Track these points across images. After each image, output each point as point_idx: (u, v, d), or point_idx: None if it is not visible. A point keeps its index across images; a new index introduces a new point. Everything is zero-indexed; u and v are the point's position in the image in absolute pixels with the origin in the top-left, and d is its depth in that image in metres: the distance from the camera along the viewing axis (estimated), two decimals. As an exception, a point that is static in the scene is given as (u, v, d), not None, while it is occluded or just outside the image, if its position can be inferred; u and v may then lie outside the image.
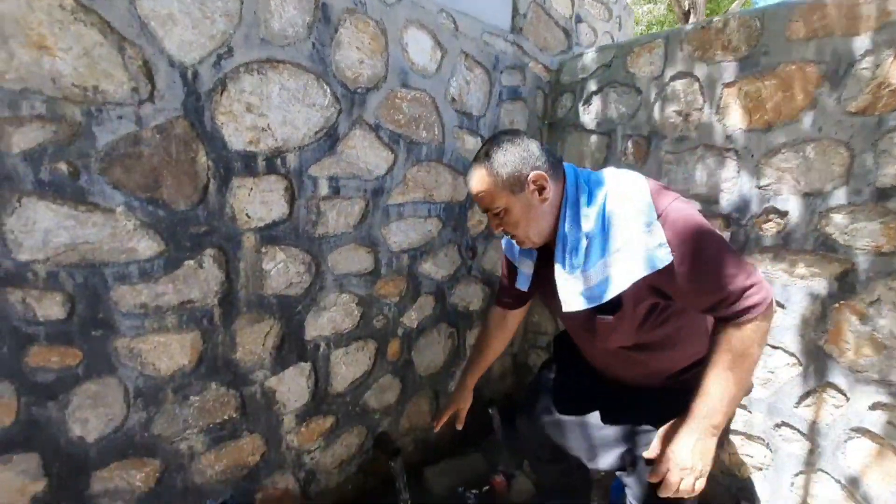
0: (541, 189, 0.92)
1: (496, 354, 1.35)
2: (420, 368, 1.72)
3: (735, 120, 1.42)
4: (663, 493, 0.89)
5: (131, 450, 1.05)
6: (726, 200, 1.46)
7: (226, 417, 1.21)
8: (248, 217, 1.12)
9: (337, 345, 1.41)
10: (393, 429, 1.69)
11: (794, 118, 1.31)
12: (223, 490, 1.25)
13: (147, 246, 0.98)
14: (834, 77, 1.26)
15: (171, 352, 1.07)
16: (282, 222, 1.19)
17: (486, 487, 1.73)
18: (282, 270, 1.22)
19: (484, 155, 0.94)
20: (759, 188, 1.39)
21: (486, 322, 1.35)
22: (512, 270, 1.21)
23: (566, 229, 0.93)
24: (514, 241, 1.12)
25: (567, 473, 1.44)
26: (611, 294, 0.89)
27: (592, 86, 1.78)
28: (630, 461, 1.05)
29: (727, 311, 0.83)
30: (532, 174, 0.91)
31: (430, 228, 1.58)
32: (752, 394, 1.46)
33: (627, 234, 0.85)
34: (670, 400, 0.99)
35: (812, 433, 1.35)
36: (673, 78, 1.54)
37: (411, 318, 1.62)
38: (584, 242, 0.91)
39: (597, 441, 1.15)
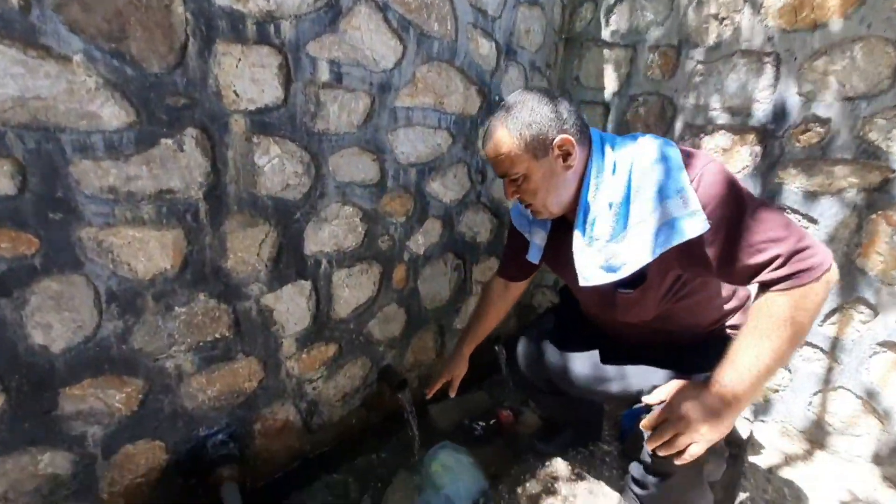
0: (566, 155, 0.84)
1: (495, 324, 1.30)
2: (426, 300, 1.60)
3: (778, 20, 1.30)
4: (650, 444, 0.80)
5: (107, 365, 0.90)
6: (762, 111, 1.35)
7: (217, 336, 1.06)
8: (237, 95, 0.94)
9: (339, 264, 1.27)
10: (397, 363, 1.59)
11: (843, 15, 1.20)
12: (218, 418, 1.12)
13: (113, 113, 0.80)
14: (888, -33, 1.15)
15: (150, 251, 0.91)
16: (276, 108, 1.01)
17: (493, 420, 1.67)
18: (277, 167, 1.05)
19: (506, 112, 0.84)
20: (800, 95, 1.29)
21: (486, 291, 1.28)
22: (518, 241, 1.12)
23: (589, 199, 0.85)
24: (524, 211, 1.05)
25: (568, 406, 1.38)
26: (635, 267, 0.81)
27: (616, -8, 1.62)
28: (650, 389, 0.97)
29: (772, 276, 0.72)
30: (558, 138, 0.82)
31: (439, 142, 1.42)
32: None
33: (656, 202, 0.77)
34: (691, 352, 0.92)
35: (834, 350, 1.32)
36: (710, -25, 1.40)
37: (418, 243, 1.49)
38: (607, 213, 0.83)
39: (608, 372, 1.07)
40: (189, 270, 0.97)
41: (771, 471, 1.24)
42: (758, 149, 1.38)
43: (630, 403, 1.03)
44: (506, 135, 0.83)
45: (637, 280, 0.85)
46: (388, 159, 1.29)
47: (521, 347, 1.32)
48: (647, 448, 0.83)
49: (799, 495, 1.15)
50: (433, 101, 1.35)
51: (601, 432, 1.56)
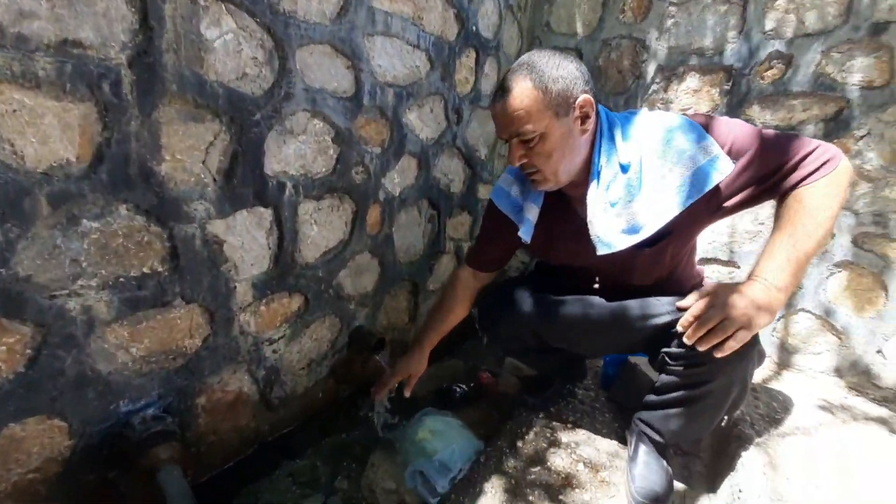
0: (584, 118, 0.81)
1: (459, 319, 1.18)
2: (400, 252, 1.42)
3: (744, -40, 1.36)
4: (694, 334, 0.77)
5: (-27, 297, 0.60)
6: (730, 51, 1.40)
7: (147, 270, 0.79)
8: (177, -71, 0.69)
9: (307, 193, 1.04)
10: (370, 324, 1.38)
11: (802, -46, 1.29)
12: (146, 387, 0.84)
13: None
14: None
15: (44, 129, 0.62)
16: (231, -35, 0.78)
17: (472, 384, 1.54)
18: (231, 46, 0.81)
19: (528, 64, 0.79)
20: (764, 33, 1.35)
21: (451, 284, 1.17)
22: (499, 224, 1.03)
23: (602, 163, 0.84)
24: (510, 190, 1.01)
25: (553, 355, 1.30)
26: (661, 223, 0.81)
27: (586, -68, 1.59)
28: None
29: (793, 180, 0.78)
30: (581, 98, 0.79)
31: (418, 63, 1.26)
32: (741, 248, 1.48)
33: (676, 157, 0.80)
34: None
35: (797, 277, 1.40)
36: (681, -86, 1.43)
37: (394, 182, 1.30)
38: (622, 176, 0.83)
39: (613, 308, 1.00)
40: (104, 168, 0.69)
41: (755, 389, 1.27)
42: (726, 87, 1.43)
43: (639, 334, 0.96)
44: (528, 87, 0.77)
45: (657, 238, 0.84)
46: (365, 70, 1.09)
47: (509, 302, 1.20)
48: (689, 342, 0.79)
49: (787, 407, 1.19)
50: (412, 13, 1.19)
51: (585, 374, 1.50)
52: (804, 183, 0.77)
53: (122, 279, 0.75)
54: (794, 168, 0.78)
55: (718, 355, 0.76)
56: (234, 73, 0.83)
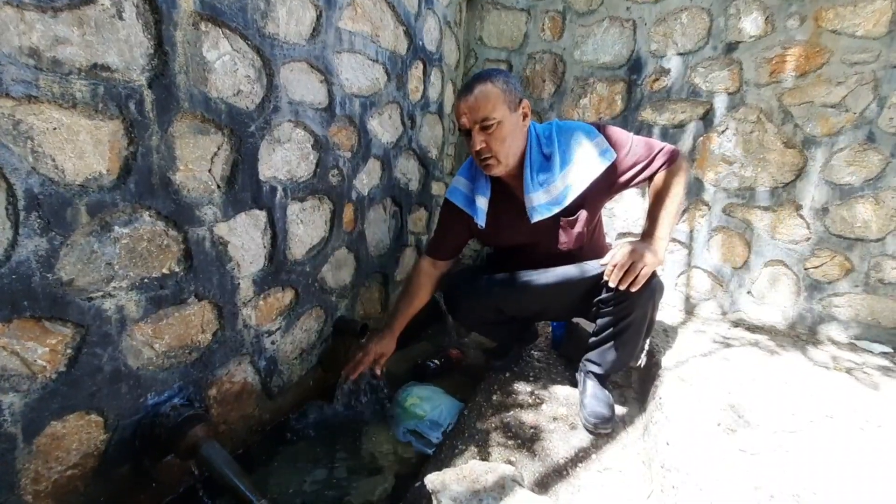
0: (525, 115, 1.11)
1: (424, 303, 1.38)
2: (371, 246, 1.56)
3: (631, -8, 1.70)
4: (625, 281, 1.04)
5: (27, 302, 0.65)
6: (627, 65, 1.74)
7: (166, 271, 0.86)
8: (183, -34, 0.79)
9: (294, 195, 1.15)
10: (349, 314, 1.50)
11: (673, -10, 1.65)
12: (168, 380, 0.91)
13: (27, -58, 0.59)
14: (696, -41, 1.63)
15: (81, 145, 0.69)
16: (226, -5, 0.88)
17: (443, 359, 1.72)
18: (228, 67, 0.91)
19: (487, 72, 1.08)
20: (650, 52, 1.71)
21: (415, 273, 1.37)
22: (454, 218, 1.28)
23: (534, 155, 1.13)
24: (463, 188, 1.26)
25: (510, 325, 1.53)
26: (576, 193, 1.11)
27: (508, -39, 1.85)
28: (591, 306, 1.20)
29: (655, 168, 1.14)
30: (524, 101, 1.10)
31: (377, 76, 1.41)
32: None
33: (581, 148, 1.12)
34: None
35: (688, 240, 1.79)
36: (582, -47, 1.73)
37: (363, 183, 1.44)
38: (546, 163, 1.12)
39: (556, 272, 1.25)
40: (132, 179, 0.76)
41: (666, 331, 1.62)
42: (626, 95, 1.77)
43: (580, 288, 1.22)
44: (490, 86, 1.04)
45: (573, 208, 1.15)
46: (336, 83, 1.22)
47: (470, 284, 1.39)
48: (613, 284, 1.06)
49: (689, 341, 1.54)
50: (370, 31, 1.34)
51: (538, 338, 1.76)
52: (661, 168, 1.14)
53: (146, 280, 0.82)
54: (653, 159, 1.14)
55: (633, 289, 1.04)
56: (232, 90, 0.92)
